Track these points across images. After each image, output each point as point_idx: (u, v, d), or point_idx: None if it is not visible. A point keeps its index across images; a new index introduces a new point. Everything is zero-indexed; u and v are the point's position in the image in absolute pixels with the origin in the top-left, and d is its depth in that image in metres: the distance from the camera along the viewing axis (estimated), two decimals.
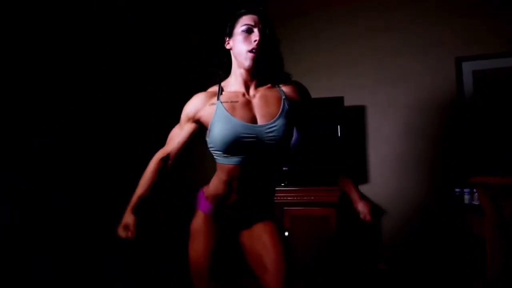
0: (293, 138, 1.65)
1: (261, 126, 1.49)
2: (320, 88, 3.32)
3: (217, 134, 1.48)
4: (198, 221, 1.68)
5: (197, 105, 1.54)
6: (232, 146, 1.47)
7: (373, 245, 3.27)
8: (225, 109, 1.49)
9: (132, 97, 2.85)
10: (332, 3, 3.49)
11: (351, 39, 3.46)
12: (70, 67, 2.42)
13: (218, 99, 1.52)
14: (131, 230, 1.45)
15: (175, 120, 1.64)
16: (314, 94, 2.91)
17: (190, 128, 1.56)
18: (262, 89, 1.58)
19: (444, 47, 3.20)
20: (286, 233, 2.86)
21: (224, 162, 1.54)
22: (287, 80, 1.63)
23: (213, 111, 1.50)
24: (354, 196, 1.78)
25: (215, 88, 1.59)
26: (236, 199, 1.61)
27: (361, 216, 1.76)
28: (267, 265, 1.60)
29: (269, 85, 1.59)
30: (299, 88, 1.62)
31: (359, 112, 3.37)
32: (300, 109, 1.59)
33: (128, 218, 1.49)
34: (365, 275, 3.13)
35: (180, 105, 1.63)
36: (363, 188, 3.33)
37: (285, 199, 2.97)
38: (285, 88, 1.59)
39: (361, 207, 1.76)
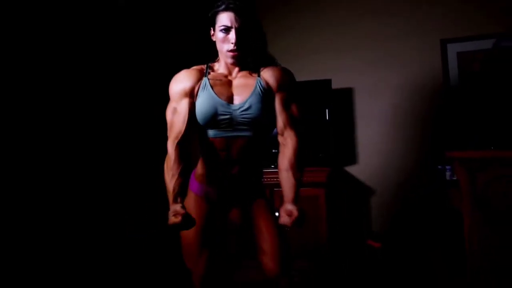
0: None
1: (235, 105, 1.59)
2: (308, 72, 3.37)
3: (198, 107, 1.58)
4: (189, 201, 1.74)
5: (192, 79, 1.62)
6: (210, 121, 1.58)
7: (362, 223, 3.38)
8: (210, 86, 1.60)
9: (131, 97, 2.87)
10: None
11: (338, 22, 3.49)
12: (69, 67, 2.42)
13: (206, 76, 1.63)
14: (181, 214, 1.41)
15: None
16: (302, 77, 2.99)
17: (189, 103, 1.59)
18: (244, 72, 1.66)
19: (429, 29, 3.25)
20: (277, 214, 2.94)
21: (205, 136, 1.63)
22: (270, 63, 1.70)
23: (200, 86, 1.61)
24: (288, 196, 1.54)
25: (201, 66, 1.68)
26: (219, 176, 1.69)
27: (281, 220, 1.49)
28: (263, 247, 1.68)
29: (250, 69, 1.67)
30: (279, 71, 1.67)
31: (347, 94, 3.43)
32: (277, 91, 1.63)
33: (175, 206, 1.46)
34: (355, 252, 3.24)
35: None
36: (352, 169, 3.41)
37: (275, 181, 3.02)
38: (264, 71, 1.66)
39: (286, 211, 1.49)
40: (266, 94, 1.61)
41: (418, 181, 3.18)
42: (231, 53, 1.58)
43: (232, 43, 1.56)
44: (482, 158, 1.85)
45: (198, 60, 1.74)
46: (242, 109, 1.57)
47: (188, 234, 1.68)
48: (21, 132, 2.13)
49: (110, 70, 2.68)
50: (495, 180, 1.84)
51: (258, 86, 1.61)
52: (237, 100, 1.60)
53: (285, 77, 1.66)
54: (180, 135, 1.57)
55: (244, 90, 1.61)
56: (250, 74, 1.66)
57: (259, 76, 1.64)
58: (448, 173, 2.70)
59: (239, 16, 1.56)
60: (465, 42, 3.18)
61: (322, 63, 3.48)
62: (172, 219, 1.41)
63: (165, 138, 1.62)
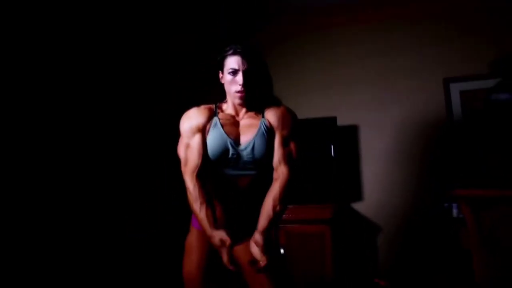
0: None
1: (241, 145, 1.66)
2: (313, 108, 3.45)
3: (210, 144, 1.65)
4: (192, 238, 1.79)
5: (203, 116, 1.69)
6: (220, 157, 1.64)
7: (369, 260, 3.32)
8: (221, 124, 1.67)
9: (131, 97, 2.90)
10: (324, 26, 3.64)
11: (344, 60, 3.58)
12: (69, 67, 2.46)
13: (216, 115, 1.70)
14: (227, 245, 1.57)
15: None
16: (308, 114, 3.05)
17: (201, 138, 1.66)
18: (250, 113, 1.73)
19: (432, 68, 3.33)
20: (282, 250, 2.91)
21: (211, 173, 1.68)
22: (274, 104, 1.76)
23: (211, 124, 1.68)
24: (260, 225, 1.62)
25: (210, 106, 1.74)
26: (223, 212, 1.71)
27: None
28: (260, 283, 1.66)
29: (256, 110, 1.74)
30: (281, 111, 1.73)
31: (352, 131, 3.47)
32: (278, 130, 1.69)
33: (218, 233, 1.59)
34: None
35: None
36: (358, 206, 3.39)
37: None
38: (267, 111, 1.72)
39: (253, 239, 1.61)
40: (269, 134, 1.68)
41: (424, 218, 3.14)
42: (238, 94, 1.66)
43: (239, 85, 1.63)
44: (486, 196, 1.85)
45: (197, 60, 1.79)
46: (247, 149, 1.64)
47: (190, 271, 1.73)
48: (22, 132, 2.16)
49: (110, 70, 2.72)
50: (502, 219, 1.83)
51: (262, 127, 1.68)
52: (243, 140, 1.67)
53: (287, 117, 1.72)
54: (197, 168, 1.64)
55: (249, 130, 1.68)
56: (256, 115, 1.72)
57: (263, 116, 1.70)
58: (455, 211, 2.68)
59: (246, 60, 1.64)
60: (467, 81, 3.23)
61: (328, 100, 3.54)
62: (223, 245, 1.57)
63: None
